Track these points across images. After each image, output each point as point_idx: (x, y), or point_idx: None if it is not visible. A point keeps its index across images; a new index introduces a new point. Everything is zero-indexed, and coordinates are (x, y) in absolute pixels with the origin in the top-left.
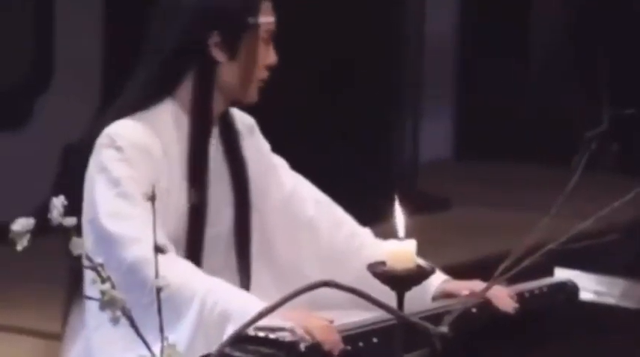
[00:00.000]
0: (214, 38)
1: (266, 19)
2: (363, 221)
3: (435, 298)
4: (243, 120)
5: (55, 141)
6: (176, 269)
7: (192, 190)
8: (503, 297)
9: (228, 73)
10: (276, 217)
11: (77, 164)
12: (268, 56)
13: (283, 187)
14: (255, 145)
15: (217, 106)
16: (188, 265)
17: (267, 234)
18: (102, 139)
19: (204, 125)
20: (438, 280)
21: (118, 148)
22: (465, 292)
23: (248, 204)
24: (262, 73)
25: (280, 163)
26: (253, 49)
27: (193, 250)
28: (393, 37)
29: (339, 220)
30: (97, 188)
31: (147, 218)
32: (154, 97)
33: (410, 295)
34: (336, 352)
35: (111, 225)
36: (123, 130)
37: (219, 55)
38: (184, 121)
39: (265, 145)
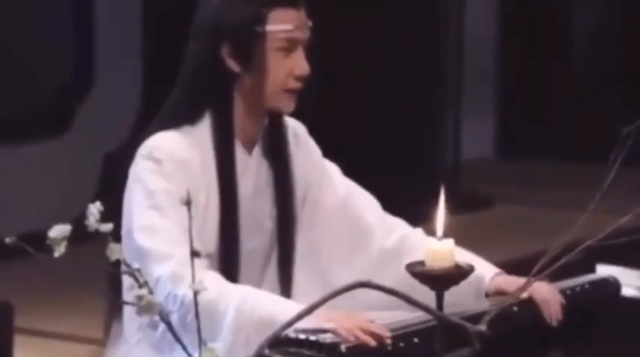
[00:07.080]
0: (226, 49)
1: (277, 26)
2: (406, 221)
3: (488, 294)
4: (292, 128)
5: (96, 148)
6: (207, 282)
7: (221, 203)
8: (553, 304)
9: (248, 84)
10: (327, 224)
11: (118, 174)
12: (294, 66)
13: (336, 195)
14: (305, 153)
15: (251, 118)
16: (218, 278)
17: (316, 243)
18: (141, 150)
19: (226, 137)
20: (490, 273)
21: (156, 161)
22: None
23: (291, 218)
24: (291, 83)
25: (333, 170)
26: (265, 58)
27: (228, 264)
28: (434, 36)
29: (391, 226)
30: (133, 199)
31: (179, 233)
32: (194, 112)
33: (462, 291)
34: (387, 335)
35: (143, 239)
36: (162, 143)
37: (233, 65)
38: None
39: (317, 152)
